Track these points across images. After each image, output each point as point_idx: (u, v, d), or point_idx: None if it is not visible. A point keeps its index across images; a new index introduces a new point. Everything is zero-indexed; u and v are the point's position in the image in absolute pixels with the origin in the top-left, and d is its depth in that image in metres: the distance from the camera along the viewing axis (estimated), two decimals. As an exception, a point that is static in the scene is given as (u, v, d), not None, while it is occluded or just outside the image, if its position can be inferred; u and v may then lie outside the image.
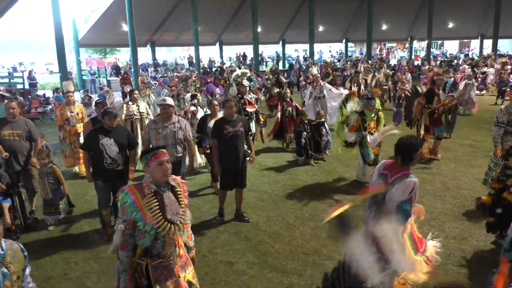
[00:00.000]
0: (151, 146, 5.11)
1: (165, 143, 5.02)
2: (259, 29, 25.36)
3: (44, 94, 18.60)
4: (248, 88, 8.72)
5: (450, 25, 33.08)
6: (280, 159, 8.37)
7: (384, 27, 33.31)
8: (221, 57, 32.06)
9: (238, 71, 9.58)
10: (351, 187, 6.61)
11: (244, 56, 34.62)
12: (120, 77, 18.26)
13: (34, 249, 4.80)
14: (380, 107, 6.83)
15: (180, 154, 5.29)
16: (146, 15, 25.29)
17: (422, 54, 37.10)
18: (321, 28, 32.43)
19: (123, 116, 7.50)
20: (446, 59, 29.73)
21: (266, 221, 5.49)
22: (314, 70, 14.41)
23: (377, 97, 6.66)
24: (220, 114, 6.18)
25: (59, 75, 18.96)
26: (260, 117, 8.60)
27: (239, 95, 8.26)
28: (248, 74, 9.83)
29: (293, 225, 5.30)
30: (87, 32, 26.09)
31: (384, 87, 13.19)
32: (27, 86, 21.40)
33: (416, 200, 3.16)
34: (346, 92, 9.93)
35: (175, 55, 45.50)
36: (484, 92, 17.11)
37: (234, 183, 5.31)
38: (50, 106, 15.62)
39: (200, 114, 7.39)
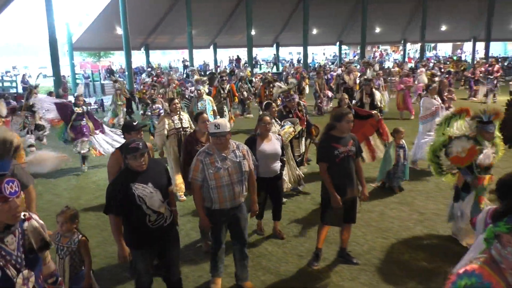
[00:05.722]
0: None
1: (229, 182, 3.63)
2: (253, 32, 25.43)
3: (37, 98, 18.55)
4: (297, 101, 6.78)
5: (443, 27, 33.37)
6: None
7: (377, 30, 33.52)
8: (215, 60, 32.08)
9: (283, 87, 7.44)
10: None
11: (238, 59, 34.70)
12: (151, 80, 17.80)
13: None
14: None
15: (246, 193, 3.85)
16: (140, 18, 25.25)
17: (417, 55, 37.39)
18: (315, 31, 32.54)
19: (166, 132, 6.25)
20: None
21: (260, 224, 5.50)
22: (424, 78, 10.52)
23: None
24: (273, 136, 4.91)
25: (53, 79, 18.90)
26: (313, 130, 6.77)
27: (287, 109, 6.66)
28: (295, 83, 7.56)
29: (287, 227, 5.30)
30: (81, 36, 26.05)
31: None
32: (20, 90, 21.29)
33: None
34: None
35: (170, 58, 45.50)
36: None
37: (343, 217, 4.24)
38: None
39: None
